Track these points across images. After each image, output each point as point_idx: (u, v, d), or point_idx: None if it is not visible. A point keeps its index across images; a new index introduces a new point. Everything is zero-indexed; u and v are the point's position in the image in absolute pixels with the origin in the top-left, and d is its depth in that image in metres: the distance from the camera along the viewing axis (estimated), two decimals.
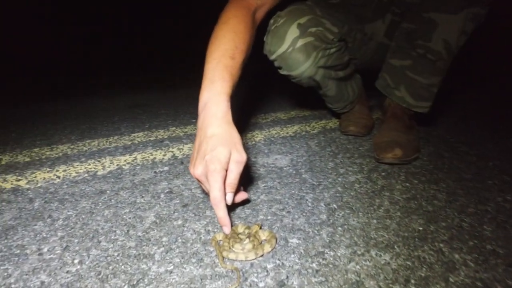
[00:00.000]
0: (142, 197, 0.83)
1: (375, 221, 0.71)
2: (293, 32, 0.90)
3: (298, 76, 0.97)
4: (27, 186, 0.92)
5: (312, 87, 1.08)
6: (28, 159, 1.12)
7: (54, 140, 1.31)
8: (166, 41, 5.05)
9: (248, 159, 0.81)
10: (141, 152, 1.14)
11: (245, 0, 0.83)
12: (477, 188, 0.84)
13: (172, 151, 1.14)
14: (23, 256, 0.63)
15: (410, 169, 0.95)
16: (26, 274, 0.58)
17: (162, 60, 4.13)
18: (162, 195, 0.84)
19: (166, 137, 1.30)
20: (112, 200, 0.82)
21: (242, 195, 0.70)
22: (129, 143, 1.24)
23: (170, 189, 0.87)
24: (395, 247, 0.62)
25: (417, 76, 0.96)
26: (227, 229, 0.63)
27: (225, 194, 0.62)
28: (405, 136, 0.98)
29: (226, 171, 0.62)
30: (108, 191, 0.87)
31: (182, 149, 1.15)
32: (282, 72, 0.99)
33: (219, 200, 0.61)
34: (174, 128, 1.41)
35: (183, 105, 1.85)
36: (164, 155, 1.10)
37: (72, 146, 1.23)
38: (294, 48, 0.91)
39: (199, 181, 0.65)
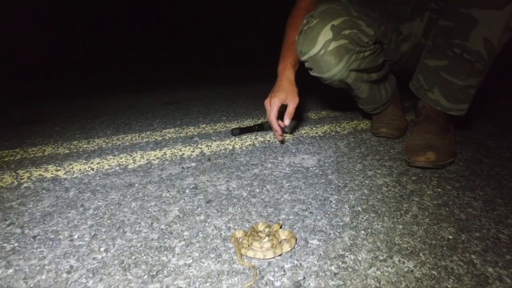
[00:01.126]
0: (168, 191, 0.86)
1: (400, 226, 0.68)
2: (326, 34, 0.87)
3: (329, 79, 0.95)
4: (65, 176, 0.98)
5: (344, 88, 1.05)
6: (67, 151, 1.19)
7: (91, 134, 1.39)
8: (201, 38, 5.14)
9: (300, 102, 1.05)
10: (170, 147, 1.17)
11: None
12: None
13: (201, 148, 1.16)
14: (57, 241, 0.67)
15: (444, 174, 0.90)
16: (58, 258, 0.62)
17: (197, 57, 4.22)
18: (187, 190, 0.86)
19: (196, 133, 1.33)
20: (140, 193, 0.85)
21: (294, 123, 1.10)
22: (160, 138, 1.28)
23: (195, 185, 0.89)
24: (421, 254, 0.59)
25: (453, 78, 0.91)
26: (278, 135, 1.10)
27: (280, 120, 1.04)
28: (440, 139, 0.93)
29: (281, 106, 1.02)
30: (136, 184, 0.90)
31: (211, 146, 1.17)
32: (312, 73, 0.97)
33: (272, 118, 1.03)
34: (204, 125, 1.44)
35: (214, 103, 1.88)
36: (192, 151, 1.13)
37: (107, 140, 1.29)
38: (326, 51, 0.88)
39: (266, 108, 1.05)
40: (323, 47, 0.87)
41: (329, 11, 0.89)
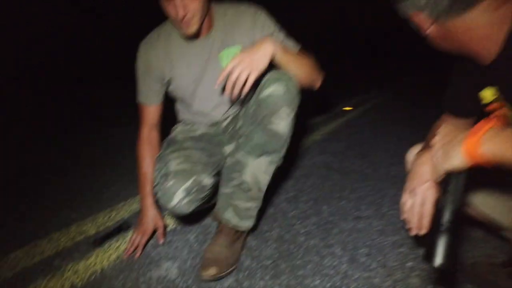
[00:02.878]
0: None
1: None
2: (179, 194, 1.16)
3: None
4: None
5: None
6: None
7: None
8: None
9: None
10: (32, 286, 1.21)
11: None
12: None
13: (69, 278, 1.24)
14: None
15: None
16: None
17: None
18: None
19: (53, 253, 1.36)
20: None
21: None
22: (10, 274, 1.26)
23: None
24: None
25: (236, 201, 1.21)
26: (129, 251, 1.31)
27: None
28: (226, 251, 1.23)
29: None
30: None
31: (78, 271, 1.27)
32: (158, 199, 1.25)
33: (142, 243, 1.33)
34: (57, 234, 1.47)
35: (39, 186, 1.82)
36: (62, 286, 1.21)
37: None
38: (180, 205, 1.18)
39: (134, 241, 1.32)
40: (178, 202, 1.18)
41: (182, 173, 1.18)
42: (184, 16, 1.09)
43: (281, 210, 1.64)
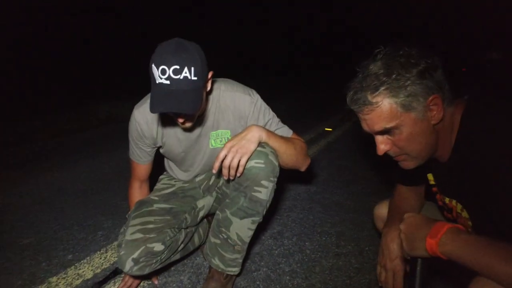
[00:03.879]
0: None
1: None
2: (129, 262, 1.24)
3: None
4: None
5: None
6: None
7: None
8: None
9: None
10: None
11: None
12: None
13: None
14: None
15: None
16: None
17: None
18: None
19: None
20: None
21: None
22: None
23: None
24: None
25: (224, 252, 1.32)
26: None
27: None
28: None
29: None
30: None
31: None
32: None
33: None
34: (54, 278, 1.54)
35: (43, 226, 1.88)
36: None
37: None
38: (132, 271, 1.26)
39: None
40: (129, 269, 1.26)
41: (132, 243, 1.26)
42: (184, 121, 1.18)
43: (267, 248, 1.77)
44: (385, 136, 0.94)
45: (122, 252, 1.26)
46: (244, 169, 1.17)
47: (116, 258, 1.71)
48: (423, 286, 0.93)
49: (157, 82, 1.06)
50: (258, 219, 1.28)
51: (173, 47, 1.05)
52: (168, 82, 1.04)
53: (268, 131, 1.23)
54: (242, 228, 1.29)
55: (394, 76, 0.85)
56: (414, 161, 0.96)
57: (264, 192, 1.21)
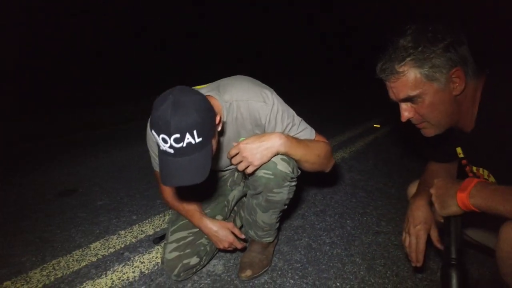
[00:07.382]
0: None
1: None
2: (173, 277, 1.40)
3: None
4: None
5: None
6: None
7: None
8: None
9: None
10: (111, 270, 1.53)
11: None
12: None
13: (138, 266, 1.55)
14: None
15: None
16: None
17: None
18: None
19: (122, 246, 1.69)
20: None
21: None
22: (95, 259, 1.60)
23: None
24: None
25: (256, 230, 1.43)
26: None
27: None
28: (259, 255, 1.45)
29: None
30: None
31: (144, 262, 1.58)
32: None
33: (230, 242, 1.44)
34: (123, 231, 1.80)
35: (113, 189, 2.17)
36: (133, 272, 1.51)
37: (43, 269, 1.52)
38: (179, 279, 1.42)
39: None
40: (176, 279, 1.42)
41: (170, 264, 1.39)
42: None
43: (310, 223, 1.88)
44: (408, 104, 1.02)
45: (165, 269, 1.43)
46: (253, 174, 1.21)
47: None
48: (457, 246, 0.97)
49: (160, 148, 1.01)
50: (280, 211, 1.37)
51: (170, 111, 0.94)
52: (171, 151, 0.98)
53: (289, 138, 1.18)
54: (266, 217, 1.38)
55: (420, 48, 0.93)
56: (433, 129, 1.03)
57: (279, 195, 1.26)
